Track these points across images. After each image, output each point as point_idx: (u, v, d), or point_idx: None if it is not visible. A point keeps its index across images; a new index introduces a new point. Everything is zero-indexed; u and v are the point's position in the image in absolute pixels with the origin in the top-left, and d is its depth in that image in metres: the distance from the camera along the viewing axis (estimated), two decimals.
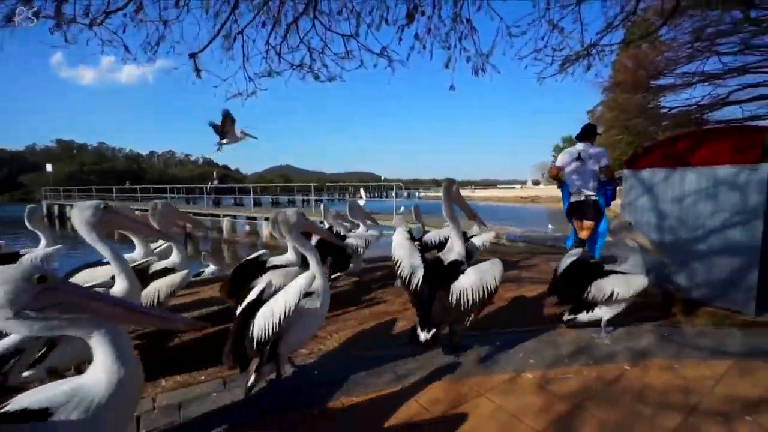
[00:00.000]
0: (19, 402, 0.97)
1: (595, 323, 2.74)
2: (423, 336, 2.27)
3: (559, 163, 4.56)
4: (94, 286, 2.04)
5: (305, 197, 21.66)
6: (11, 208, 31.35)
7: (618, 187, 5.00)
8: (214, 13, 3.75)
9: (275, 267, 3.07)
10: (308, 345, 2.56)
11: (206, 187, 18.75)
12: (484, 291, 2.27)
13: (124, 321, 1.11)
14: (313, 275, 1.99)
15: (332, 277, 3.91)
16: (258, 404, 1.96)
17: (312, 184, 19.85)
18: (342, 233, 4.42)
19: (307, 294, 1.96)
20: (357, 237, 4.18)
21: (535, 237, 8.00)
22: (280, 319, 1.78)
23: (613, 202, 4.76)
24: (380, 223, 5.05)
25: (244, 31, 3.98)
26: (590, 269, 2.76)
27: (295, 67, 4.40)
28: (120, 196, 23.66)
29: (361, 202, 6.91)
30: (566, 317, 2.79)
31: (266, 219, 13.89)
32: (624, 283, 2.60)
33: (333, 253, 3.92)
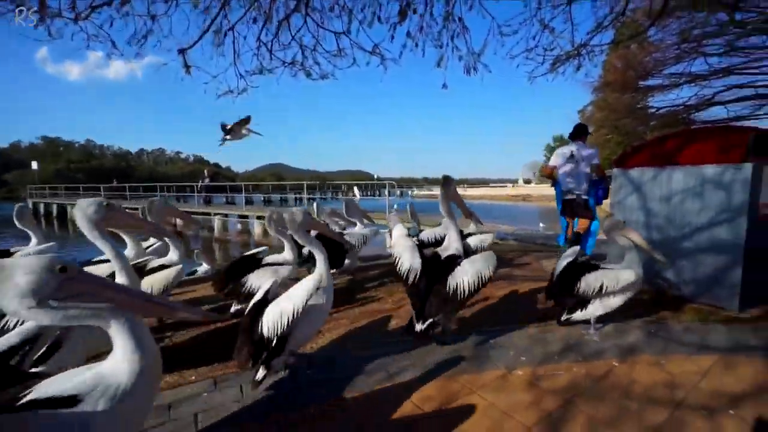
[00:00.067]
0: (43, 390, 0.97)
1: (599, 320, 2.79)
2: (418, 327, 2.39)
3: (552, 162, 4.79)
4: None
5: (298, 196, 21.56)
6: None
7: (610, 186, 5.11)
8: (203, 9, 3.69)
9: (270, 264, 3.07)
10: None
11: (197, 186, 18.54)
12: (479, 280, 2.38)
13: (143, 311, 1.12)
14: (320, 278, 2.05)
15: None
16: (255, 403, 1.94)
17: (305, 182, 19.77)
18: (337, 231, 4.41)
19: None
20: (352, 235, 4.18)
21: (525, 235, 8.08)
22: (288, 320, 1.86)
23: (604, 201, 4.84)
24: (375, 222, 5.06)
25: (235, 27, 3.93)
26: (584, 269, 2.78)
27: (287, 64, 4.37)
28: (108, 194, 23.28)
29: (355, 200, 6.91)
30: (563, 317, 2.83)
31: (258, 218, 13.80)
32: (612, 278, 2.63)
33: (329, 250, 3.91)
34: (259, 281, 2.90)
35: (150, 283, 2.57)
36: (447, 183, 2.64)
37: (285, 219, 2.28)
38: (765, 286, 3.17)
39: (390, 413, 1.85)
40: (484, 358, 2.40)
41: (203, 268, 5.72)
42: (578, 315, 2.77)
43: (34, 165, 33.72)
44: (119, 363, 1.03)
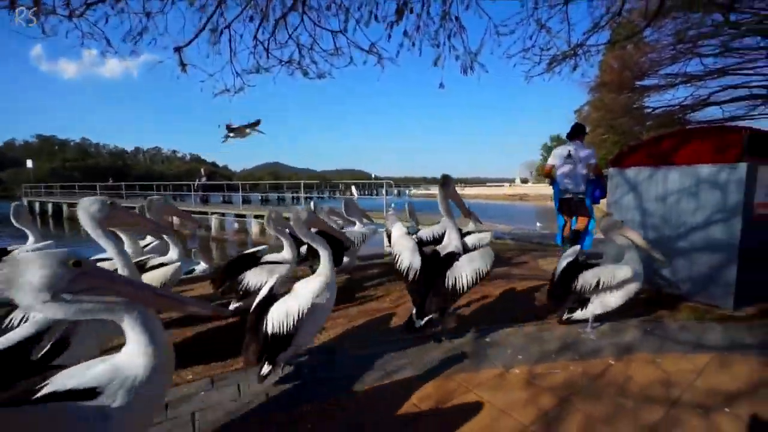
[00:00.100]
0: (61, 382, 0.98)
1: (596, 318, 2.81)
2: (418, 323, 2.44)
3: (550, 162, 4.92)
4: None
5: (295, 195, 21.51)
6: None
7: (607, 186, 5.19)
8: (199, 6, 3.67)
9: (267, 263, 3.06)
10: None
11: (194, 185, 18.46)
12: (476, 275, 2.43)
13: (154, 305, 1.13)
14: (327, 278, 2.09)
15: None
16: (253, 402, 1.94)
17: (302, 181, 19.70)
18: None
19: None
20: (351, 234, 4.18)
21: (522, 234, 8.11)
22: (294, 319, 1.92)
23: (602, 201, 4.89)
24: (374, 221, 5.07)
25: (231, 25, 3.92)
26: (583, 267, 2.78)
27: (283, 63, 4.35)
28: (104, 193, 23.11)
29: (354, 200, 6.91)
30: (564, 316, 2.85)
31: (255, 217, 13.76)
32: (609, 275, 2.65)
33: (333, 247, 3.92)
34: (256, 279, 2.90)
35: (148, 281, 2.56)
36: (446, 182, 2.65)
37: (290, 217, 2.33)
38: (759, 285, 3.19)
39: (388, 412, 1.85)
40: (481, 357, 2.40)
41: (201, 266, 5.70)
42: (579, 314, 2.78)
43: (29, 163, 33.50)
44: (134, 356, 1.05)
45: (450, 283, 2.40)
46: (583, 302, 2.78)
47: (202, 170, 20.34)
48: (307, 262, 4.05)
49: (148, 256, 2.89)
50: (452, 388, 2.05)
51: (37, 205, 24.02)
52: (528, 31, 4.08)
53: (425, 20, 4.02)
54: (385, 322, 3.07)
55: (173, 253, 2.82)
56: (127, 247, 2.89)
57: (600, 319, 2.83)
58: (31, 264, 0.93)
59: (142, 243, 3.30)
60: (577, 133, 4.86)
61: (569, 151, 4.75)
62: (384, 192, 13.11)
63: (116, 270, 1.96)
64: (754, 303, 3.15)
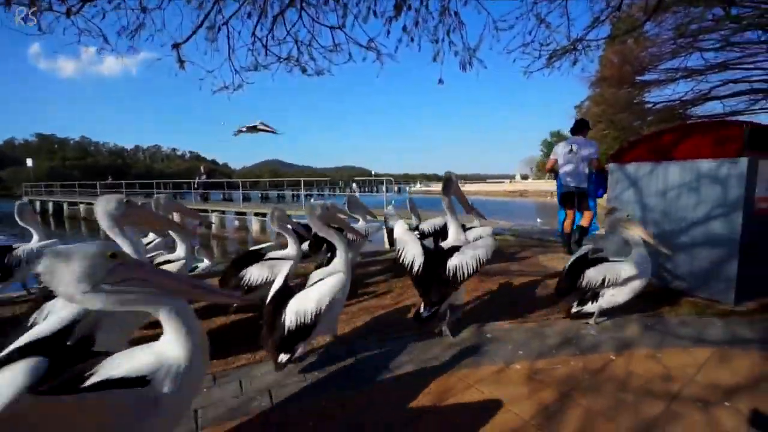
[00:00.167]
0: (108, 370, 1.01)
1: (602, 313, 2.82)
2: (424, 313, 2.51)
3: (552, 156, 5.05)
4: None
5: (295, 192, 21.48)
6: None
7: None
8: (197, 3, 3.65)
9: (271, 260, 3.09)
10: None
11: (194, 183, 18.44)
12: (476, 263, 2.48)
13: (186, 294, 1.16)
14: (344, 279, 2.15)
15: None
16: (255, 400, 1.94)
17: (302, 178, 19.68)
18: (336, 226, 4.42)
19: None
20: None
21: (522, 230, 8.10)
22: (314, 314, 2.01)
23: (604, 195, 4.93)
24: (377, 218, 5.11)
25: (229, 21, 3.89)
26: (590, 263, 2.78)
27: (282, 60, 4.33)
28: (105, 191, 23.13)
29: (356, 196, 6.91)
30: (574, 309, 2.85)
31: (256, 214, 13.76)
32: (615, 271, 2.65)
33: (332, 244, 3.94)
34: (259, 274, 2.94)
35: None
36: (449, 180, 2.69)
37: (305, 211, 2.41)
38: (760, 279, 3.19)
39: (390, 410, 1.85)
40: (482, 353, 2.41)
41: (204, 264, 5.71)
42: (590, 307, 2.79)
43: (29, 162, 33.47)
44: (174, 345, 1.08)
45: (451, 271, 2.46)
46: (594, 296, 2.78)
47: (201, 168, 20.31)
48: (309, 258, 4.05)
49: (155, 252, 2.90)
50: (453, 384, 2.05)
51: (37, 204, 24.02)
52: (527, 26, 4.07)
53: (424, 15, 4.00)
54: (387, 318, 3.08)
55: (180, 250, 2.83)
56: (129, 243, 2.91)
57: (606, 313, 2.83)
58: (72, 256, 0.97)
59: (145, 240, 3.31)
60: (580, 128, 4.97)
61: (572, 146, 4.84)
62: (384, 189, 13.10)
63: None
64: (755, 298, 3.15)
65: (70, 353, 1.20)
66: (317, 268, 2.45)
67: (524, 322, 2.92)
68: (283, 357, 2.05)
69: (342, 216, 4.43)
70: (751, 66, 11.94)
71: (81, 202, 21.50)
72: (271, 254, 3.17)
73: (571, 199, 4.97)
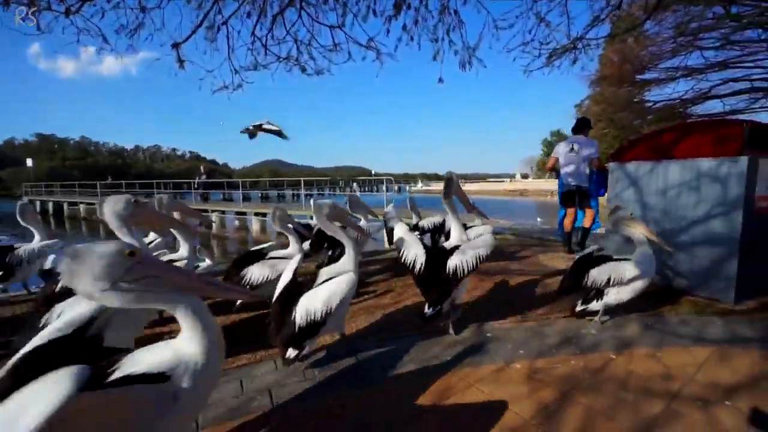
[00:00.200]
0: (130, 366, 1.03)
1: (606, 312, 2.83)
2: (429, 313, 2.55)
3: (554, 155, 5.10)
4: None
5: (295, 192, 21.47)
6: None
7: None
8: (197, 2, 3.65)
9: (272, 259, 3.11)
10: None
11: (194, 182, 18.45)
12: (476, 259, 2.52)
13: (201, 291, 1.19)
14: (354, 279, 2.19)
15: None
16: (256, 399, 1.94)
17: (302, 178, 19.67)
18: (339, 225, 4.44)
19: None
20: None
21: (522, 230, 8.10)
22: (325, 312, 2.05)
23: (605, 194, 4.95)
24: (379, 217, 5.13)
25: (229, 21, 3.89)
26: (595, 262, 2.78)
27: (281, 59, 4.33)
28: (105, 191, 23.13)
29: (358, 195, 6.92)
30: (578, 308, 2.85)
31: (256, 214, 13.76)
32: (619, 271, 2.65)
33: (334, 243, 3.95)
34: (260, 273, 2.95)
35: None
36: (450, 180, 2.73)
37: (313, 211, 2.44)
38: (760, 278, 3.19)
39: (391, 409, 1.85)
40: (482, 352, 2.41)
41: (206, 263, 5.72)
42: (594, 305, 2.79)
43: (29, 162, 33.45)
44: (191, 342, 1.10)
45: (451, 269, 2.50)
46: (598, 294, 2.78)
47: (201, 168, 20.31)
48: (310, 257, 4.06)
49: (157, 252, 2.93)
50: (453, 383, 2.05)
51: (37, 204, 24.02)
52: (527, 25, 4.06)
53: (424, 14, 3.99)
54: (386, 318, 3.07)
55: (183, 249, 2.85)
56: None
57: (611, 311, 2.83)
58: (91, 254, 0.99)
59: (146, 240, 3.32)
60: (582, 126, 5.01)
61: (573, 145, 4.88)
62: (384, 188, 13.10)
63: None
64: (755, 297, 3.14)
65: (88, 351, 1.23)
66: (318, 267, 2.47)
67: (524, 321, 2.92)
68: (291, 353, 2.09)
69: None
70: (752, 64, 11.92)
71: (81, 202, 21.50)
72: (272, 254, 3.19)
73: (572, 197, 5.00)
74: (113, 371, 1.01)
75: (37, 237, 3.58)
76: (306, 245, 3.83)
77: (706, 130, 3.40)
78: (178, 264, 2.69)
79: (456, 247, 2.63)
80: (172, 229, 2.92)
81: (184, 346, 1.10)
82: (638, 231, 2.74)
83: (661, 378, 2.06)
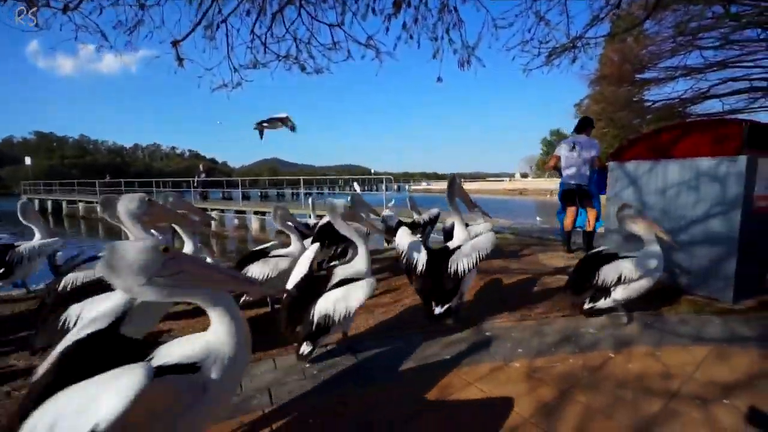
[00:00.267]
0: (163, 357, 1.08)
1: (614, 310, 2.83)
2: (437, 310, 2.63)
3: (556, 154, 5.16)
4: None
5: (295, 191, 21.44)
6: None
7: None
8: (197, 0, 3.63)
9: (273, 257, 3.13)
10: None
11: (193, 181, 18.42)
12: (477, 255, 2.59)
13: (229, 286, 1.25)
14: (374, 285, 2.21)
15: (330, 265, 3.97)
16: (257, 398, 1.94)
17: (301, 177, 19.64)
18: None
19: (354, 280, 2.25)
20: (358, 229, 4.21)
21: (522, 229, 8.11)
22: (342, 315, 2.09)
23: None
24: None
25: (228, 19, 3.87)
26: (602, 260, 2.78)
27: (281, 58, 4.31)
28: (104, 190, 23.05)
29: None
30: (586, 306, 2.85)
31: (255, 213, 13.74)
32: (631, 268, 2.65)
33: (336, 241, 3.97)
34: (260, 271, 2.97)
35: None
36: (453, 181, 2.84)
37: (326, 209, 2.54)
38: (759, 278, 3.19)
39: (392, 408, 1.85)
40: (482, 351, 2.41)
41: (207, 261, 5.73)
42: (603, 303, 2.79)
43: (28, 161, 33.29)
44: (220, 335, 1.14)
45: (453, 267, 2.57)
46: (606, 292, 2.78)
47: (200, 166, 20.27)
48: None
49: None
50: (453, 382, 2.05)
51: (36, 203, 23.96)
52: (527, 24, 4.05)
53: (423, 13, 3.98)
54: (386, 317, 3.08)
55: (188, 247, 2.85)
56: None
57: (631, 307, 2.83)
58: (129, 251, 1.04)
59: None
60: (584, 126, 5.06)
61: (574, 144, 4.91)
62: (384, 187, 13.07)
63: None
64: (754, 296, 3.15)
65: (122, 343, 1.29)
66: (319, 266, 2.49)
67: (523, 320, 2.92)
68: (305, 349, 2.14)
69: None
70: (751, 64, 11.92)
71: (80, 201, 21.44)
72: (274, 252, 3.21)
73: (573, 196, 5.03)
74: (149, 362, 1.04)
75: (37, 235, 3.60)
76: (307, 243, 3.84)
77: (705, 129, 3.40)
78: None
79: (459, 246, 2.68)
80: (176, 227, 2.94)
81: (213, 338, 1.14)
82: (647, 229, 2.74)
83: (659, 377, 2.07)
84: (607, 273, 2.69)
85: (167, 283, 1.08)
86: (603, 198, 5.07)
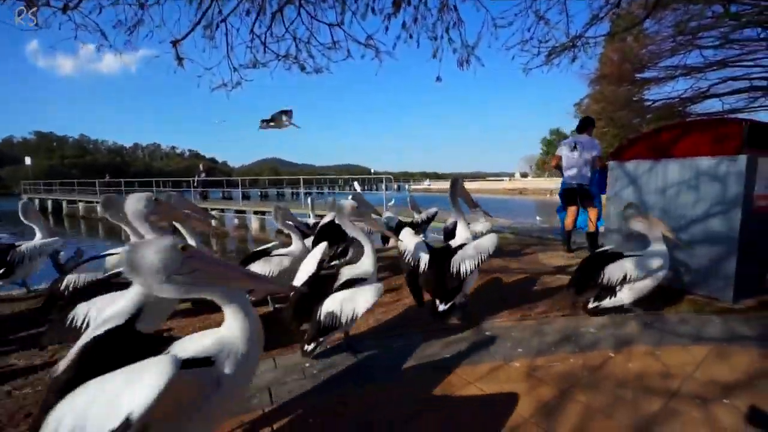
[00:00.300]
0: (180, 351, 1.11)
1: (619, 309, 2.85)
2: (441, 308, 2.68)
3: (557, 153, 5.20)
4: None
5: (294, 190, 21.44)
6: None
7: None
8: (197, 1, 3.62)
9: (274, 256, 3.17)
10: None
11: (193, 180, 18.42)
12: (479, 256, 2.64)
13: (245, 284, 1.28)
14: (381, 289, 2.22)
15: (331, 264, 4.00)
16: (258, 397, 1.94)
17: (301, 177, 19.63)
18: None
19: (360, 281, 2.28)
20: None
21: (522, 228, 8.10)
22: (350, 317, 2.10)
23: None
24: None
25: (227, 19, 3.87)
26: (607, 259, 2.79)
27: (280, 57, 4.31)
28: (104, 190, 23.03)
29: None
30: (591, 305, 2.86)
31: (255, 212, 13.74)
32: (636, 267, 2.65)
33: (336, 239, 3.98)
34: (261, 270, 3.00)
35: None
36: (455, 182, 2.94)
37: (333, 209, 2.64)
38: (759, 277, 3.19)
39: (392, 408, 1.85)
40: (482, 350, 2.41)
41: None
42: (608, 302, 2.79)
43: (28, 161, 33.28)
44: (234, 331, 1.17)
45: (455, 267, 2.62)
46: (611, 291, 2.79)
47: (200, 166, 20.26)
48: None
49: None
50: (453, 382, 2.05)
51: (36, 202, 23.96)
52: (526, 23, 4.04)
53: (423, 12, 3.97)
54: (385, 317, 3.08)
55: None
56: (132, 241, 2.96)
57: (639, 305, 2.83)
58: (150, 250, 1.08)
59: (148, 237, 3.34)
60: (585, 126, 5.10)
61: (575, 143, 4.94)
62: (384, 187, 13.07)
63: None
64: (754, 295, 3.15)
65: (139, 339, 1.34)
66: (319, 264, 2.52)
67: (523, 319, 2.92)
68: (310, 346, 2.18)
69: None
70: (751, 63, 11.90)
71: (80, 201, 21.44)
72: (276, 252, 3.23)
73: (574, 196, 5.05)
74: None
75: (38, 235, 3.61)
76: (308, 242, 3.86)
77: (705, 128, 3.40)
78: None
79: (462, 245, 2.73)
80: (178, 226, 2.95)
81: (227, 333, 1.17)
82: (653, 227, 2.74)
83: (659, 376, 2.07)
84: (612, 272, 2.70)
85: (185, 281, 1.11)
86: (604, 198, 5.09)
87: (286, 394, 1.97)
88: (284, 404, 1.89)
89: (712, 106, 13.15)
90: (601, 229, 5.28)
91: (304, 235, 3.39)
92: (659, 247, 2.71)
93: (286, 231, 3.45)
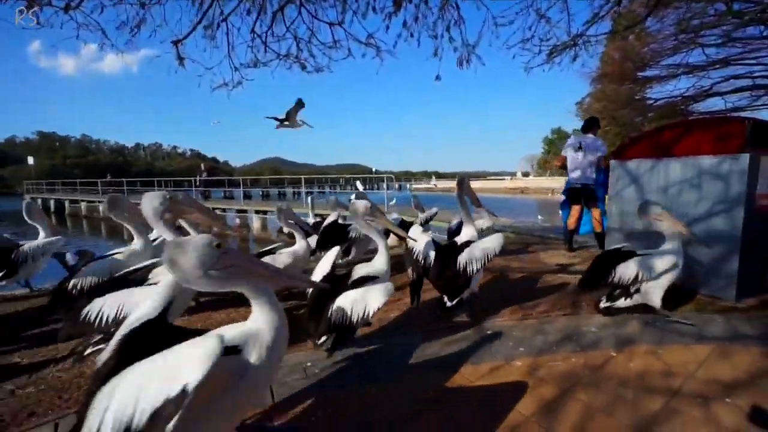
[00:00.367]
0: None
1: (633, 309, 2.82)
2: (449, 304, 2.73)
3: (563, 153, 5.26)
4: (140, 269, 2.25)
5: (296, 190, 21.45)
6: None
7: None
8: (198, 0, 3.63)
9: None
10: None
11: (195, 180, 18.46)
12: (486, 255, 2.69)
13: (273, 281, 1.34)
14: (392, 289, 2.24)
15: (342, 261, 4.06)
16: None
17: (302, 176, 19.66)
18: (342, 222, 4.46)
19: (373, 278, 2.31)
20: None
21: (523, 228, 8.09)
22: (359, 317, 2.10)
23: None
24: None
25: (228, 18, 3.87)
26: (620, 257, 2.75)
27: (281, 57, 4.31)
28: (106, 189, 23.11)
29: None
30: (603, 305, 2.84)
31: (257, 212, 13.75)
32: (649, 265, 2.63)
33: (337, 239, 3.99)
34: None
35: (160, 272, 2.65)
36: (462, 181, 3.01)
37: (334, 209, 2.73)
38: (761, 276, 3.18)
39: (393, 407, 1.86)
40: (483, 350, 2.41)
41: None
42: (621, 303, 2.78)
43: (30, 160, 33.40)
44: (261, 323, 1.23)
45: (462, 265, 2.67)
46: (625, 290, 2.76)
47: (202, 166, 20.29)
48: (315, 254, 4.09)
49: None
50: (454, 381, 2.05)
51: (39, 202, 24.04)
52: (527, 22, 4.03)
53: (423, 11, 3.97)
54: (386, 317, 3.07)
55: None
56: (137, 240, 2.99)
57: (666, 305, 2.79)
58: (188, 246, 1.14)
59: (151, 236, 3.34)
60: (590, 125, 5.16)
61: (580, 144, 4.97)
62: (385, 186, 13.06)
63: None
64: (756, 294, 3.14)
65: (169, 331, 1.43)
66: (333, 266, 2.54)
67: (525, 318, 2.92)
68: (322, 340, 2.18)
69: (342, 210, 4.50)
70: (753, 62, 11.84)
71: (82, 200, 21.51)
72: (280, 251, 3.24)
73: (578, 196, 5.06)
74: None
75: (42, 234, 3.63)
76: (312, 241, 3.88)
77: (707, 127, 3.39)
78: None
79: (468, 242, 2.79)
80: (185, 224, 2.97)
81: (254, 326, 1.23)
82: (671, 225, 2.70)
83: (661, 375, 2.07)
84: (625, 271, 2.66)
85: (220, 276, 1.17)
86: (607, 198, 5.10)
87: (288, 392, 1.98)
88: (285, 403, 1.89)
89: (715, 104, 13.10)
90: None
91: (306, 234, 3.40)
92: (674, 245, 2.67)
93: (288, 230, 3.48)
